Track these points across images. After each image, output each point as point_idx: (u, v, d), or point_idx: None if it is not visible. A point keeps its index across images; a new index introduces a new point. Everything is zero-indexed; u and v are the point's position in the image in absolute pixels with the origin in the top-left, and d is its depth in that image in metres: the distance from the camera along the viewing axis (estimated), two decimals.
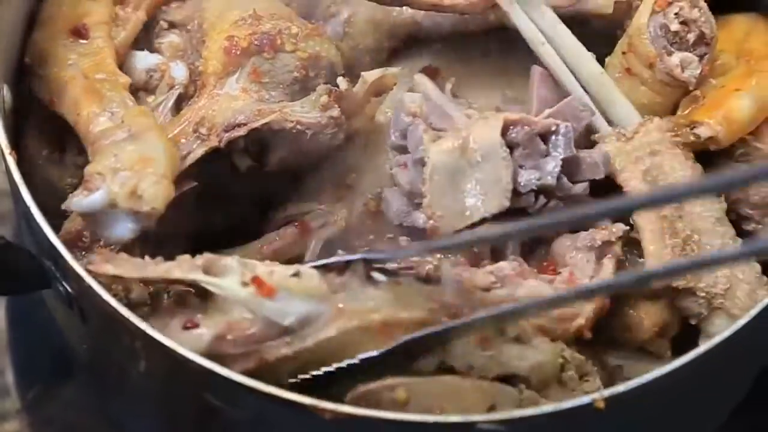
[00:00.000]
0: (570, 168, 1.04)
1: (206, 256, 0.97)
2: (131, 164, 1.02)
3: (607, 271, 1.03)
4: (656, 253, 1.05)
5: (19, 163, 1.05)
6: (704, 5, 1.10)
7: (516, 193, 1.03)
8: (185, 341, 0.95)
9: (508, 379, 0.97)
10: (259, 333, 0.95)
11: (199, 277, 0.96)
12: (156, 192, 1.01)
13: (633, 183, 1.06)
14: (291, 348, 0.95)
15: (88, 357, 1.12)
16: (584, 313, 1.01)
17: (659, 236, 1.05)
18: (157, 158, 1.03)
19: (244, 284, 0.95)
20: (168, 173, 1.03)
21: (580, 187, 1.05)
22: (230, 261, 0.97)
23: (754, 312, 0.99)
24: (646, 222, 1.05)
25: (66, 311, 1.03)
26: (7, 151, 1.03)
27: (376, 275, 0.99)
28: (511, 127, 1.04)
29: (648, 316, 1.07)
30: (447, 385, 0.96)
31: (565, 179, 1.04)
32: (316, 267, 0.99)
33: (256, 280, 0.95)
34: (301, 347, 0.95)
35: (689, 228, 1.06)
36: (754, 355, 1.12)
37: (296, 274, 0.97)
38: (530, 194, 1.03)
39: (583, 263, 1.04)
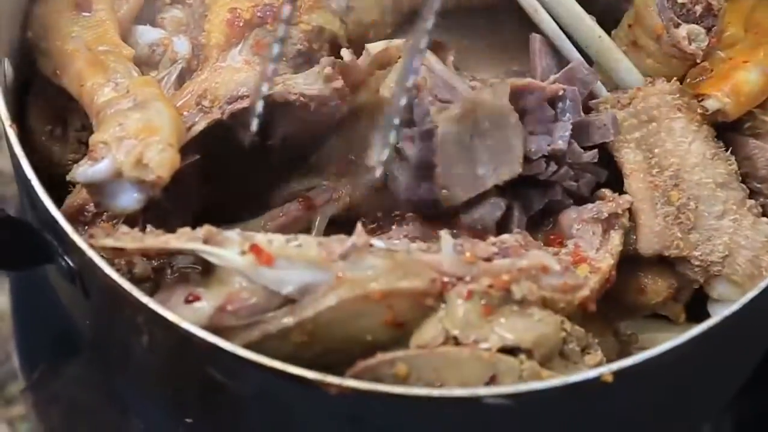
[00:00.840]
0: (580, 132, 1.03)
1: (206, 228, 0.96)
2: (136, 132, 1.00)
3: (614, 243, 1.02)
4: (648, 224, 1.04)
5: (22, 140, 1.03)
6: None
7: (527, 159, 1.02)
8: (187, 315, 0.93)
9: (509, 349, 0.95)
10: (260, 303, 0.93)
11: (198, 246, 0.95)
12: (162, 159, 0.99)
13: (624, 153, 1.06)
14: (293, 318, 0.94)
15: (92, 333, 1.10)
16: (589, 284, 0.99)
17: (651, 206, 1.05)
18: (163, 126, 1.01)
19: (243, 253, 0.93)
20: (174, 141, 1.01)
21: (590, 154, 1.04)
22: (230, 233, 0.96)
23: (763, 284, 0.97)
24: (637, 191, 1.05)
25: (68, 286, 1.01)
26: (7, 123, 1.01)
27: (375, 242, 0.96)
28: (520, 93, 1.03)
29: (662, 278, 1.07)
30: (446, 356, 0.94)
31: (575, 144, 1.03)
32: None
33: (254, 248, 0.94)
34: (302, 317, 0.94)
35: (686, 196, 1.05)
36: (764, 329, 1.10)
37: (296, 243, 0.96)
38: (541, 160, 1.02)
39: (589, 235, 1.03)
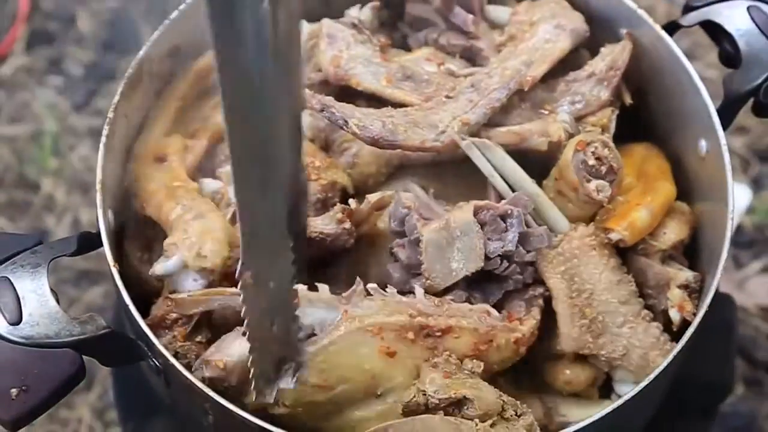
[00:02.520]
0: (523, 240, 1.08)
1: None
2: (197, 235, 1.06)
3: (535, 312, 1.08)
4: (567, 332, 1.08)
5: (120, 265, 1.07)
6: (613, 146, 1.12)
7: (486, 258, 1.07)
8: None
9: (469, 418, 1.00)
10: None
11: None
12: (214, 250, 1.05)
13: (553, 281, 1.09)
14: (313, 346, 1.00)
15: (171, 407, 1.14)
16: (520, 331, 1.04)
17: (570, 319, 1.08)
18: (216, 229, 1.07)
19: None
20: (224, 240, 1.06)
21: (531, 255, 1.08)
22: None
23: (652, 376, 1.02)
24: (561, 308, 1.09)
25: (155, 377, 1.06)
26: (111, 263, 1.05)
27: (370, 286, 1.04)
28: (480, 211, 1.08)
29: (583, 373, 1.11)
30: (423, 422, 1.00)
31: (521, 248, 1.07)
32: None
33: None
34: (319, 345, 1.00)
35: (596, 311, 1.09)
36: (654, 400, 1.14)
37: (314, 289, 1.03)
38: (497, 259, 1.07)
39: (517, 309, 1.08)
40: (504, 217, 1.07)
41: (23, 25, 1.88)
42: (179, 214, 1.09)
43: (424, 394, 0.99)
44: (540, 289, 1.09)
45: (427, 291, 1.06)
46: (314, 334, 1.01)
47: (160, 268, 1.04)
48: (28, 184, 1.78)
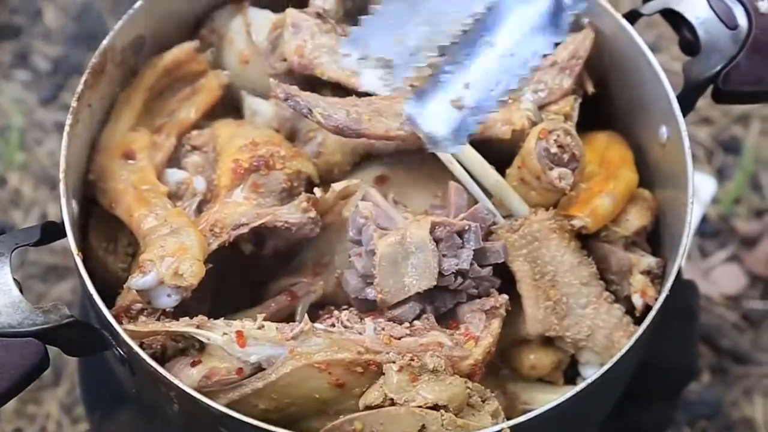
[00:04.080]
0: (479, 256, 1.08)
1: (200, 317, 1.05)
2: (173, 252, 1.05)
3: (494, 326, 1.07)
4: (533, 314, 1.09)
5: (84, 256, 1.07)
6: (575, 134, 1.13)
7: (440, 274, 1.06)
8: (185, 378, 1.00)
9: (432, 406, 1.01)
10: (233, 376, 1.01)
11: (192, 330, 1.03)
12: (192, 271, 1.05)
13: (516, 264, 1.10)
14: (261, 382, 1.01)
15: (137, 396, 1.14)
16: (474, 354, 1.04)
17: (535, 301, 1.09)
18: (192, 245, 1.07)
19: (224, 335, 1.02)
20: (200, 257, 1.07)
21: (487, 270, 1.08)
22: (217, 321, 1.04)
23: (616, 357, 1.03)
24: (525, 290, 1.09)
25: (120, 367, 1.06)
26: (75, 252, 1.05)
27: (317, 326, 1.04)
28: (436, 227, 1.07)
29: (547, 356, 1.12)
30: (389, 414, 1.01)
31: (475, 264, 1.07)
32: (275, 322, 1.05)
33: (238, 333, 1.02)
34: (267, 381, 1.01)
35: (560, 293, 1.10)
36: (618, 384, 1.15)
37: (260, 327, 1.03)
38: (451, 276, 1.06)
39: (476, 321, 1.07)
40: (461, 233, 1.07)
41: None
42: (152, 226, 1.09)
43: (392, 400, 1.00)
44: (501, 300, 1.07)
45: (379, 304, 1.07)
46: (262, 368, 1.02)
47: (135, 283, 1.05)
48: None
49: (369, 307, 1.09)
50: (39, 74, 1.86)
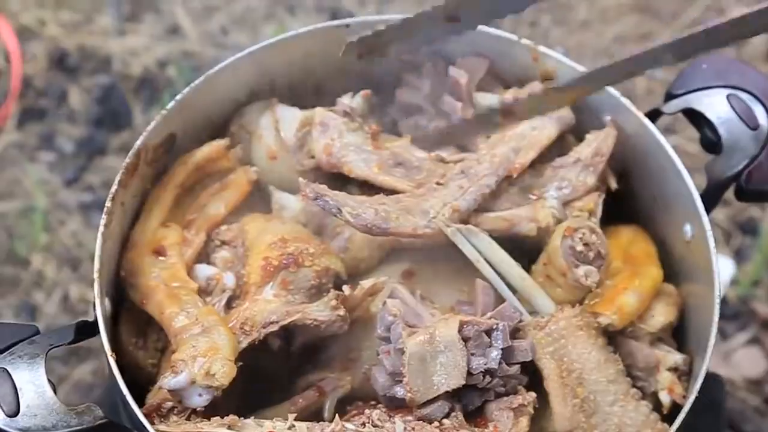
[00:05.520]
0: (507, 354, 1.09)
1: (231, 417, 1.06)
2: (205, 351, 1.07)
3: (522, 425, 1.08)
4: (561, 412, 1.10)
5: (115, 353, 1.08)
6: (600, 231, 1.15)
7: (469, 373, 1.07)
8: None
9: None
10: None
11: (224, 431, 1.04)
12: (224, 372, 1.07)
13: (543, 362, 1.11)
14: None
15: None
16: None
17: (563, 399, 1.10)
18: (224, 346, 1.08)
19: None
20: (231, 357, 1.08)
21: (515, 368, 1.09)
22: (248, 420, 1.06)
23: None
24: (552, 388, 1.10)
25: None
26: (109, 353, 1.07)
27: (348, 426, 1.05)
28: (465, 326, 1.09)
29: None
30: None
31: (503, 363, 1.08)
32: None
33: None
34: None
35: (587, 391, 1.11)
36: None
37: (291, 428, 1.04)
38: (479, 374, 1.08)
39: (504, 419, 1.08)
40: (489, 332, 1.08)
41: (15, 102, 1.91)
42: (184, 325, 1.10)
43: None
44: (529, 397, 1.08)
45: (408, 403, 1.08)
46: None
47: (168, 383, 1.06)
48: (17, 260, 1.79)
49: (397, 404, 1.10)
50: (63, 155, 1.90)
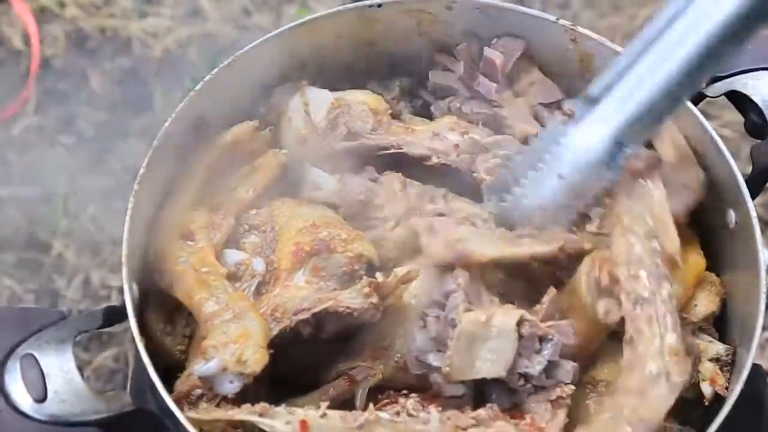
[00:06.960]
0: (549, 368, 1.07)
1: (261, 404, 1.04)
2: (237, 338, 1.05)
3: (560, 417, 1.06)
4: None
5: (144, 338, 1.07)
6: None
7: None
8: None
9: None
10: None
11: (255, 418, 1.03)
12: (256, 358, 1.05)
13: None
14: None
15: None
16: None
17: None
18: (255, 332, 1.07)
19: (288, 423, 1.01)
20: (263, 343, 1.07)
21: (551, 382, 1.07)
22: (278, 408, 1.04)
23: None
24: None
25: None
26: (138, 339, 1.05)
27: (382, 415, 1.03)
28: (524, 323, 1.07)
29: None
30: None
31: (543, 375, 1.06)
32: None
33: (302, 422, 1.01)
34: None
35: None
36: None
37: (323, 416, 1.02)
38: (516, 374, 1.06)
39: (542, 410, 1.06)
40: (542, 339, 1.07)
41: (34, 84, 1.90)
42: (214, 310, 1.09)
43: None
44: (567, 390, 1.07)
45: (438, 378, 1.06)
46: None
47: (198, 370, 1.05)
48: (38, 245, 1.78)
49: (422, 369, 1.07)
50: (83, 139, 1.89)
